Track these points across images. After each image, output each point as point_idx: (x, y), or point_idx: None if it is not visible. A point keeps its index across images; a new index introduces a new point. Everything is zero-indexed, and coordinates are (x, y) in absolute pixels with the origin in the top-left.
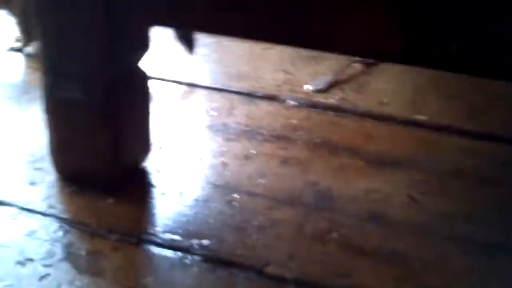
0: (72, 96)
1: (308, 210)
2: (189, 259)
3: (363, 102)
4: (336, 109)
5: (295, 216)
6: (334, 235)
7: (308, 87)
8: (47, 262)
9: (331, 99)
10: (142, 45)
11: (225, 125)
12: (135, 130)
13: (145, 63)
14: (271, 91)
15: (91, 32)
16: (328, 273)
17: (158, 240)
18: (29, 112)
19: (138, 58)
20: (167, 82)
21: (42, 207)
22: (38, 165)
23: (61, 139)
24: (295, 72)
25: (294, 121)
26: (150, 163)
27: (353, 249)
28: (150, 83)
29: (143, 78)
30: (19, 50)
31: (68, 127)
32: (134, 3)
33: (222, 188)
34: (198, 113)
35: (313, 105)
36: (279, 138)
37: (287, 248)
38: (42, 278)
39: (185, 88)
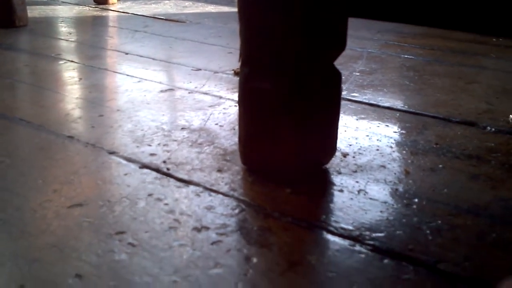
0: (262, 86)
1: (493, 221)
2: (357, 246)
3: None
4: None
5: (478, 225)
6: None
7: None
8: (220, 231)
9: None
10: (337, 42)
11: (413, 141)
12: (321, 130)
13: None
14: (470, 118)
15: (285, 23)
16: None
17: (329, 228)
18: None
19: (333, 57)
20: (359, 103)
21: (224, 189)
22: (228, 157)
23: (249, 131)
24: (499, 104)
25: (491, 144)
26: (332, 166)
27: None
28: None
29: (336, 78)
30: None
31: (256, 119)
32: None
33: (402, 192)
34: (386, 131)
35: None
36: (471, 157)
37: (464, 250)
38: (213, 243)
39: (378, 109)
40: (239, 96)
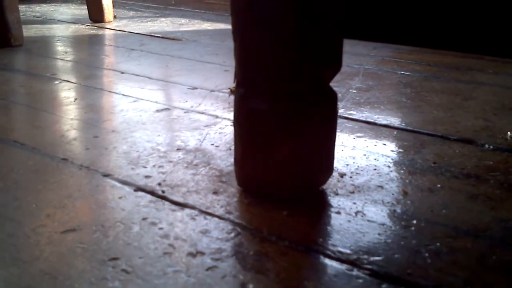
0: (258, 107)
1: (493, 243)
2: (355, 271)
3: None
4: None
5: (477, 247)
6: None
7: (510, 134)
8: (216, 256)
9: None
10: (333, 62)
11: (411, 160)
12: (318, 150)
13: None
14: (467, 135)
15: (280, 43)
16: None
17: (327, 251)
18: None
19: (328, 76)
20: (356, 121)
21: (219, 212)
22: (224, 178)
23: (245, 152)
24: (497, 121)
25: (489, 163)
26: (329, 186)
27: None
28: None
29: (332, 99)
30: None
31: (252, 140)
32: (327, 15)
33: (400, 214)
34: (384, 149)
35: None
36: (470, 176)
37: (464, 274)
38: (209, 269)
39: (375, 127)
40: (235, 117)
